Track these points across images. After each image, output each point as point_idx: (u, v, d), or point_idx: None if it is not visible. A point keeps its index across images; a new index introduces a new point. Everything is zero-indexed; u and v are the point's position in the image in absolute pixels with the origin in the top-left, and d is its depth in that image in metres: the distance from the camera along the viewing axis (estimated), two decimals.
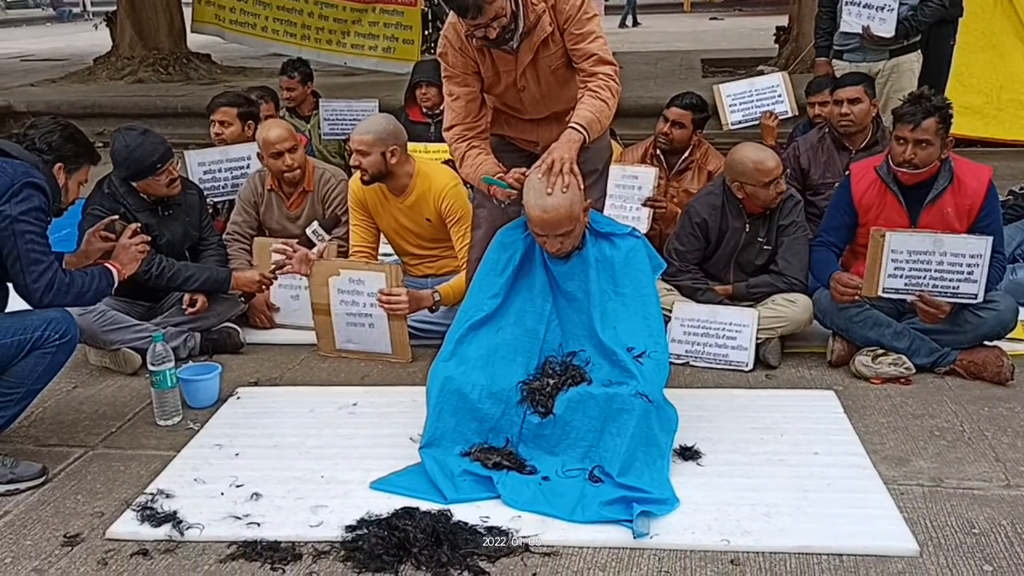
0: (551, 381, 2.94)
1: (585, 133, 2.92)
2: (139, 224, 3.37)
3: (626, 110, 6.05)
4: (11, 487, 2.89)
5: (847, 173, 3.85)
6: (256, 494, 2.81)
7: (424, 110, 6.10)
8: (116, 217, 3.39)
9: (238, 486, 2.87)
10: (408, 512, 2.63)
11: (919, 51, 5.75)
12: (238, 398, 3.54)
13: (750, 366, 3.66)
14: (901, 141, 3.48)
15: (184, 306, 3.95)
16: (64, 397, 3.62)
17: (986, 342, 3.54)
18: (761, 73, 8.96)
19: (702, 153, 4.54)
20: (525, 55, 3.08)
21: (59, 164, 3.03)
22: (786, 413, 3.25)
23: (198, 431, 3.29)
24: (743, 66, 11.53)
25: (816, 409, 3.29)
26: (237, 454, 3.08)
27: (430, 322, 3.97)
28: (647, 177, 4.31)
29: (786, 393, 3.45)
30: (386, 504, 2.72)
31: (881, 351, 3.55)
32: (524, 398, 2.94)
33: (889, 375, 3.50)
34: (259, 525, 2.65)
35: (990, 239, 3.34)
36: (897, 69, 5.63)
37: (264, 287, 4.07)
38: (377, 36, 10.68)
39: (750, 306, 3.80)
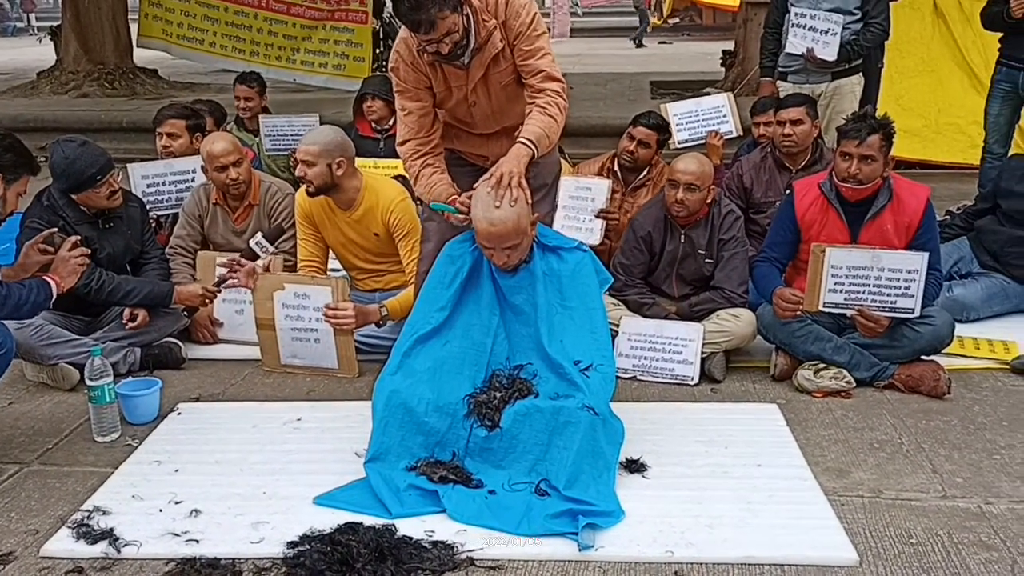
0: (498, 394, 2.94)
1: (534, 148, 2.94)
2: (79, 237, 3.30)
3: (576, 129, 6.10)
4: None
5: (789, 190, 3.92)
6: (195, 511, 2.76)
7: (372, 124, 6.07)
8: (55, 230, 3.32)
9: (177, 503, 2.81)
10: (352, 527, 2.60)
11: (860, 74, 5.88)
12: (179, 414, 3.47)
13: (695, 380, 3.69)
14: (846, 157, 3.56)
15: (124, 320, 3.87)
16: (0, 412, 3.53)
17: (923, 357, 3.62)
18: (707, 94, 9.11)
19: (658, 171, 4.59)
20: (476, 71, 3.09)
21: None
22: (730, 426, 3.28)
23: (137, 447, 3.22)
24: (690, 88, 11.69)
25: (759, 422, 3.32)
26: (177, 470, 3.02)
27: (377, 337, 3.94)
28: (600, 189, 4.34)
29: (730, 407, 3.49)
30: (330, 520, 2.68)
31: (823, 365, 3.60)
32: (471, 411, 2.93)
33: (830, 389, 3.55)
34: (198, 542, 2.59)
35: (926, 255, 3.42)
36: (839, 91, 5.73)
37: (207, 301, 4.01)
38: (327, 53, 10.68)
39: (695, 321, 3.84)
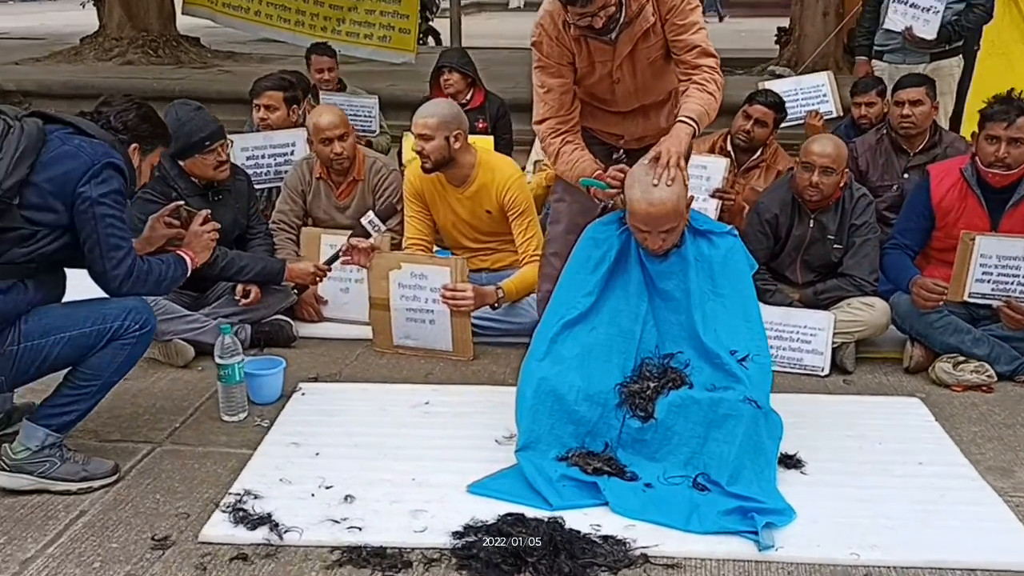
0: (651, 384, 2.84)
1: (695, 126, 2.83)
2: (208, 211, 3.20)
3: None
4: (84, 485, 2.74)
5: (924, 175, 3.79)
6: (349, 496, 2.68)
7: (448, 98, 5.94)
8: (182, 203, 3.22)
9: (327, 487, 2.73)
10: (519, 519, 2.52)
11: (960, 56, 5.73)
12: (303, 394, 3.39)
13: (826, 371, 3.58)
14: (993, 140, 3.43)
15: (237, 297, 3.79)
16: (116, 390, 3.37)
17: None
18: (773, 74, 8.94)
19: (772, 152, 4.47)
20: (624, 46, 2.97)
21: (134, 145, 2.87)
22: (876, 420, 3.18)
23: (267, 428, 3.15)
24: (743, 66, 11.49)
25: (907, 417, 3.22)
26: (317, 453, 2.94)
27: (491, 319, 3.85)
28: (717, 167, 4.22)
29: (872, 400, 3.38)
30: (489, 509, 2.60)
31: (962, 358, 3.49)
32: (623, 401, 2.83)
33: (971, 383, 3.44)
34: (360, 529, 2.52)
35: None
36: (937, 72, 5.58)
37: (318, 279, 3.91)
38: (373, 24, 10.50)
39: (820, 309, 3.73)
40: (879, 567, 2.39)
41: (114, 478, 2.79)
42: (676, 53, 2.98)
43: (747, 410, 2.71)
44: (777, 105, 4.46)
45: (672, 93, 3.23)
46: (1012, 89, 3.58)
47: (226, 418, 3.21)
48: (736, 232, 3.02)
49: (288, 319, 3.93)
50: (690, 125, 2.82)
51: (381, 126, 6.01)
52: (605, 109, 3.22)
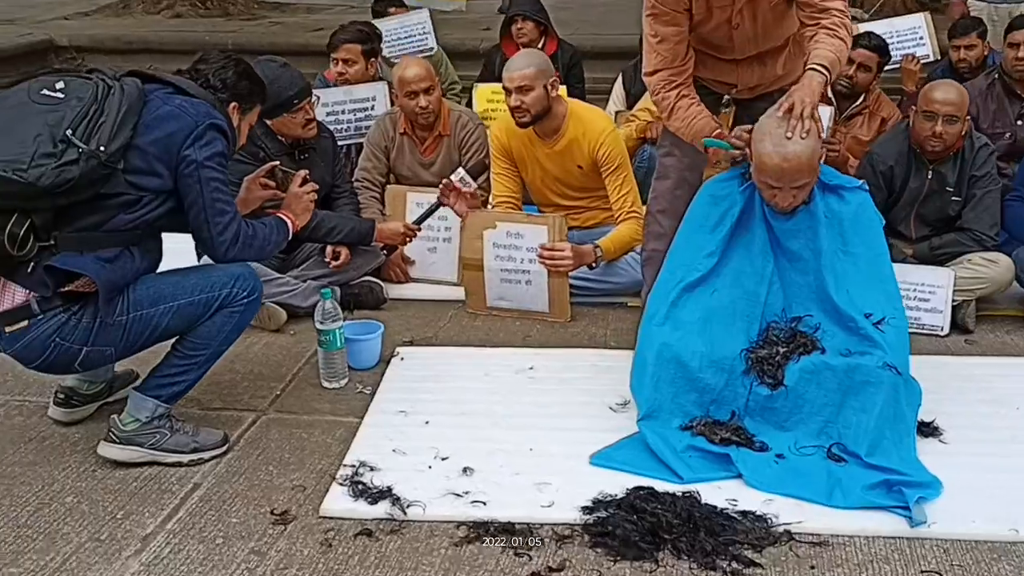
0: (780, 349, 2.69)
1: (828, 74, 2.64)
2: (306, 171, 3.08)
3: None
4: (195, 456, 2.67)
5: None
6: (468, 468, 2.58)
7: (519, 47, 5.74)
8: (277, 163, 3.10)
9: (443, 458, 2.64)
10: (652, 494, 2.40)
11: None
12: (401, 359, 3.29)
13: (946, 330, 3.42)
14: None
15: (326, 259, 3.68)
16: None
17: None
18: (853, 18, 8.56)
19: (874, 99, 4.25)
20: None
21: (234, 103, 2.75)
22: (1009, 383, 3.03)
23: (370, 395, 3.06)
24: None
25: None
26: (427, 422, 2.85)
27: (588, 279, 3.71)
28: (822, 115, 3.99)
29: (999, 361, 3.22)
30: (616, 482, 2.49)
31: None
32: (750, 368, 2.69)
33: None
34: (485, 504, 2.42)
35: None
36: None
37: (408, 239, 3.80)
38: None
39: (935, 264, 3.54)
40: None
41: (224, 448, 2.72)
42: None
43: (887, 377, 2.56)
44: (881, 48, 4.23)
45: (790, 39, 3.04)
46: None
47: (327, 384, 3.13)
48: (867, 187, 2.85)
49: (379, 281, 3.82)
50: (822, 73, 2.63)
51: (438, 41, 5.82)
52: (718, 57, 3.04)
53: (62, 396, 2.88)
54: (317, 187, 3.05)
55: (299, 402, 3.04)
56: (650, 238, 3.26)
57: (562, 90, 4.73)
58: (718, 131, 2.85)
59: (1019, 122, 4.09)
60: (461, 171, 3.66)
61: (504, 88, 3.65)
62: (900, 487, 2.39)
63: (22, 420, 2.93)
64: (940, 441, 2.69)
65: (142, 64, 9.66)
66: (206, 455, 2.68)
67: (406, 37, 5.56)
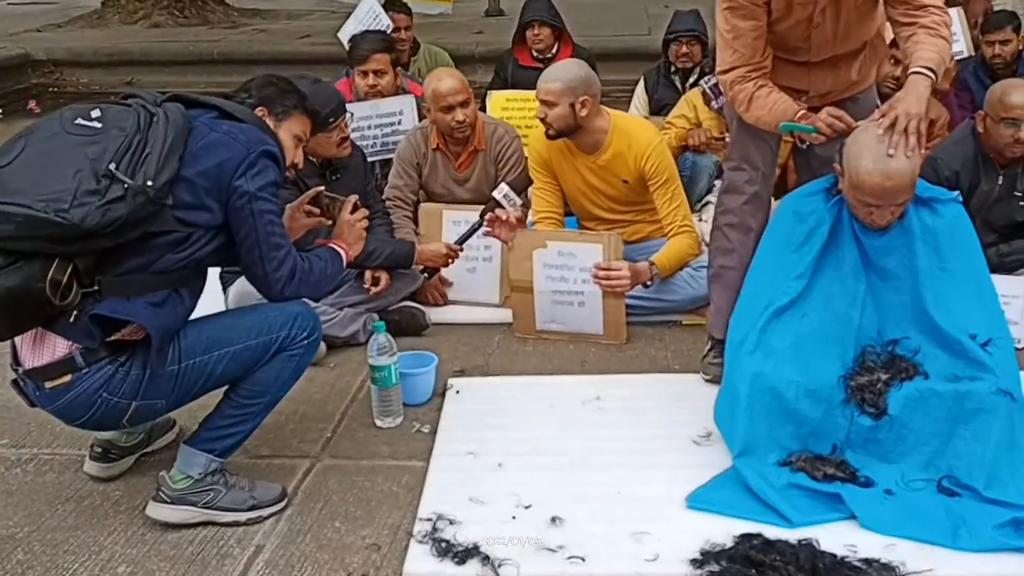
0: (881, 376, 2.51)
1: (934, 77, 2.46)
2: (357, 197, 2.86)
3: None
4: (254, 514, 2.44)
5: None
6: (556, 518, 2.38)
7: (534, 53, 5.56)
8: (322, 188, 2.87)
9: (526, 507, 2.43)
10: (767, 543, 2.21)
11: None
12: (457, 392, 3.08)
13: (1022, 343, 3.25)
14: None
15: (366, 284, 3.46)
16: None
17: None
18: None
19: None
20: None
21: (262, 108, 2.50)
22: None
23: (430, 434, 2.85)
24: None
25: None
26: (500, 464, 2.64)
27: (643, 297, 3.51)
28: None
29: None
30: (720, 529, 2.30)
31: None
32: (850, 396, 2.51)
33: None
34: (583, 559, 2.22)
35: None
36: None
37: (451, 260, 3.58)
38: None
39: (1004, 273, 3.38)
40: None
41: (283, 504, 2.50)
42: None
43: (1002, 403, 2.39)
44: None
45: (866, 44, 2.86)
46: None
47: (381, 424, 2.91)
48: (960, 198, 2.67)
49: (420, 306, 3.61)
50: (928, 77, 2.45)
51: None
52: (790, 59, 2.85)
53: (99, 450, 2.65)
54: (367, 213, 2.83)
55: (354, 445, 2.83)
56: (717, 254, 3.07)
57: None
58: (802, 113, 2.66)
59: None
60: (504, 187, 3.46)
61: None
62: None
63: (55, 477, 2.69)
64: None
65: (124, 77, 9.46)
66: (265, 512, 2.46)
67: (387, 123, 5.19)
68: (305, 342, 2.44)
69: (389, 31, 5.05)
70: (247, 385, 2.40)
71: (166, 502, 2.41)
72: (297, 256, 2.43)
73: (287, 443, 2.84)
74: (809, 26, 2.70)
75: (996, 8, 5.27)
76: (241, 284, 3.26)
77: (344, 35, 5.06)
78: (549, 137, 3.52)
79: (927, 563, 2.17)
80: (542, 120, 3.49)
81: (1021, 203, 3.41)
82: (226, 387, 2.43)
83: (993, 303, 2.59)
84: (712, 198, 4.12)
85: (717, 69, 2.83)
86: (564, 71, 3.48)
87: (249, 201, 2.29)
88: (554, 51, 5.55)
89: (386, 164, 4.28)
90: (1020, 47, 4.73)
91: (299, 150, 2.63)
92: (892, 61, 4.06)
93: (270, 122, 2.51)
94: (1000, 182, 3.38)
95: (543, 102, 3.45)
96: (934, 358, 2.53)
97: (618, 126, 3.56)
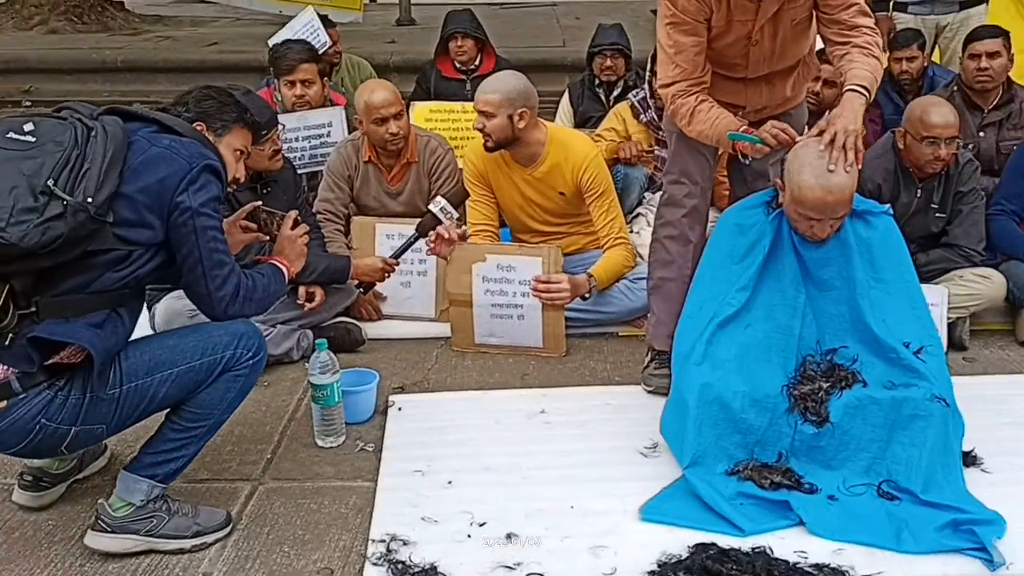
0: (823, 384, 2.58)
1: (868, 95, 2.55)
2: (297, 212, 2.79)
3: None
4: (198, 541, 2.36)
5: None
6: (512, 535, 2.36)
7: (457, 65, 5.55)
8: (259, 203, 2.79)
9: (480, 524, 2.41)
10: (722, 553, 2.24)
11: (986, 3, 5.56)
12: (399, 409, 3.04)
13: (943, 349, 3.37)
14: None
15: (300, 300, 3.39)
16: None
17: None
18: None
19: None
20: (770, 5, 2.68)
21: (199, 123, 2.43)
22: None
23: (374, 452, 2.81)
24: None
25: None
26: (450, 482, 2.61)
27: (580, 309, 3.53)
28: None
29: (1006, 379, 3.21)
30: (675, 540, 2.33)
31: None
32: (793, 405, 2.57)
33: None
34: None
35: None
36: (967, 22, 5.40)
37: (387, 274, 3.54)
38: None
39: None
40: None
41: (228, 529, 2.42)
42: (828, 12, 2.69)
43: (937, 409, 2.48)
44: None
45: (799, 61, 2.95)
46: None
47: (323, 443, 2.85)
48: (891, 211, 2.77)
49: (355, 322, 3.55)
50: (863, 95, 2.54)
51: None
52: (728, 75, 2.92)
53: (30, 478, 2.52)
54: (308, 228, 2.76)
55: (297, 466, 2.76)
56: (657, 266, 3.11)
57: None
58: (744, 128, 2.72)
59: (981, 133, 4.13)
60: (441, 200, 3.43)
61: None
62: (969, 527, 2.30)
63: None
64: (982, 471, 2.63)
65: (21, 84, 9.05)
66: (210, 538, 2.38)
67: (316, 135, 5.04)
68: (251, 362, 2.37)
69: (326, 48, 4.97)
70: (190, 407, 2.31)
71: (106, 531, 2.30)
72: (241, 273, 2.36)
73: (226, 466, 2.75)
74: (748, 43, 2.77)
75: (900, 27, 5.48)
76: (168, 302, 3.16)
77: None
78: (487, 148, 3.51)
79: (875, 566, 2.23)
80: (480, 130, 3.48)
81: (937, 215, 3.55)
82: (167, 410, 2.34)
83: (924, 312, 2.69)
84: (643, 210, 4.17)
85: (658, 83, 2.88)
86: (503, 82, 3.48)
87: (192, 217, 2.21)
88: (477, 63, 5.56)
89: (313, 177, 4.21)
90: (925, 64, 4.93)
91: (240, 164, 2.56)
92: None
93: (210, 136, 2.43)
94: (919, 195, 3.52)
95: (482, 113, 3.44)
96: (871, 366, 2.61)
97: (555, 138, 3.58)
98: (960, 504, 2.39)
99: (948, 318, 3.39)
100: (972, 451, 2.67)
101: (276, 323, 3.37)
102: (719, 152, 3.03)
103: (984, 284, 3.44)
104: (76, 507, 2.52)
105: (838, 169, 2.47)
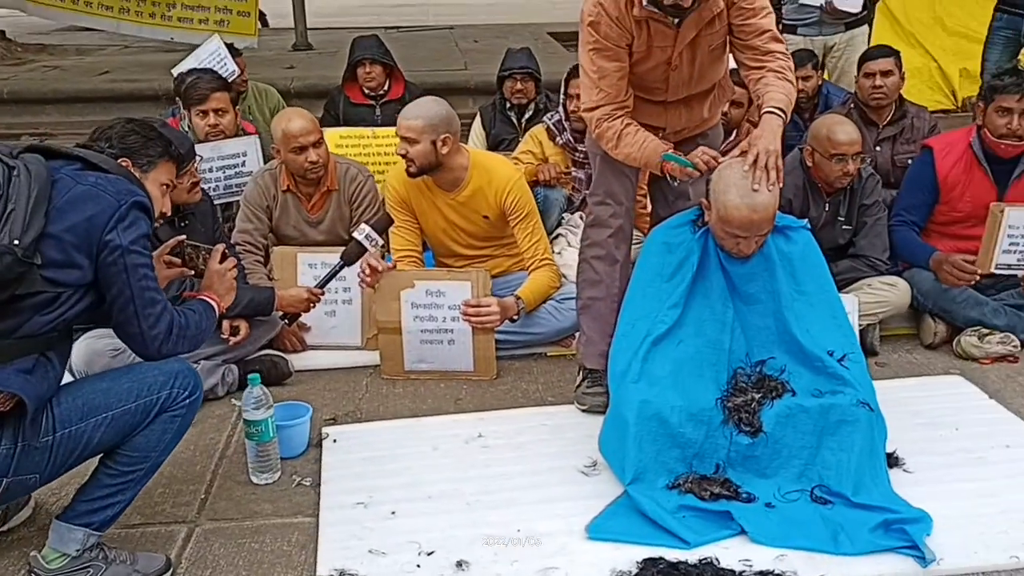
0: (755, 395, 2.66)
1: (784, 117, 2.66)
2: (224, 245, 2.74)
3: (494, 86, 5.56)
4: None
5: (926, 149, 3.78)
6: (462, 562, 2.36)
7: (366, 91, 5.55)
8: (183, 237, 2.74)
9: (429, 553, 2.40)
10: (671, 566, 2.29)
11: (867, 24, 5.84)
12: (334, 441, 3.00)
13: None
14: (1005, 112, 3.47)
15: (224, 334, 3.32)
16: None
17: None
18: None
19: (745, 133, 4.27)
20: (688, 31, 2.76)
21: (124, 159, 2.38)
22: (936, 404, 3.15)
23: (312, 486, 2.76)
24: None
25: (961, 396, 3.22)
26: (393, 512, 2.59)
27: (510, 331, 3.55)
28: None
29: (917, 382, 3.36)
30: (623, 556, 2.37)
31: (986, 330, 3.52)
32: (728, 417, 2.64)
33: (999, 354, 3.49)
34: None
35: None
36: (852, 42, 5.67)
37: (312, 305, 3.49)
38: (208, 8, 9.71)
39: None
40: None
41: (169, 574, 2.35)
42: (742, 38, 2.79)
43: (863, 414, 2.59)
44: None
45: (716, 85, 3.05)
46: (1018, 60, 3.61)
47: (257, 480, 2.79)
48: (809, 225, 2.89)
49: (282, 354, 3.49)
50: (780, 117, 2.65)
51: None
52: (649, 99, 3.00)
53: None
54: (236, 262, 2.71)
55: (233, 505, 2.69)
56: (586, 286, 3.16)
57: None
58: (671, 149, 2.81)
59: (877, 148, 4.34)
60: (366, 227, 3.39)
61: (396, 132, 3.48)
62: (900, 526, 2.41)
63: None
64: (904, 471, 2.75)
65: None
66: None
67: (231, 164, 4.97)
68: (187, 401, 2.31)
69: (234, 77, 4.89)
70: (126, 451, 2.24)
71: None
72: (174, 311, 2.31)
73: (159, 508, 2.67)
74: (668, 68, 2.85)
75: (791, 49, 5.71)
76: (87, 343, 3.06)
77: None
78: (410, 174, 3.50)
79: (816, 570, 2.31)
80: (403, 156, 3.47)
81: (844, 227, 3.71)
82: (101, 455, 2.26)
83: (844, 321, 2.81)
84: (563, 231, 4.23)
85: (582, 107, 2.94)
86: (425, 109, 3.48)
87: (122, 255, 2.15)
88: (386, 88, 5.56)
89: (228, 208, 4.13)
90: (820, 82, 5.15)
91: (166, 198, 2.51)
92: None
93: (136, 173, 2.38)
94: (827, 209, 3.67)
95: (404, 139, 3.44)
96: (799, 375, 2.71)
97: (478, 162, 3.60)
98: (889, 505, 2.50)
99: (859, 325, 3.54)
100: (894, 452, 2.79)
101: (199, 359, 3.28)
102: (640, 172, 3.11)
103: (891, 291, 3.60)
104: (3, 561, 2.40)
105: (762, 188, 2.57)
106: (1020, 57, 5.78)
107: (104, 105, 8.28)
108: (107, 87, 8.89)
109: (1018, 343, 3.51)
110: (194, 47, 9.37)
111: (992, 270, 3.46)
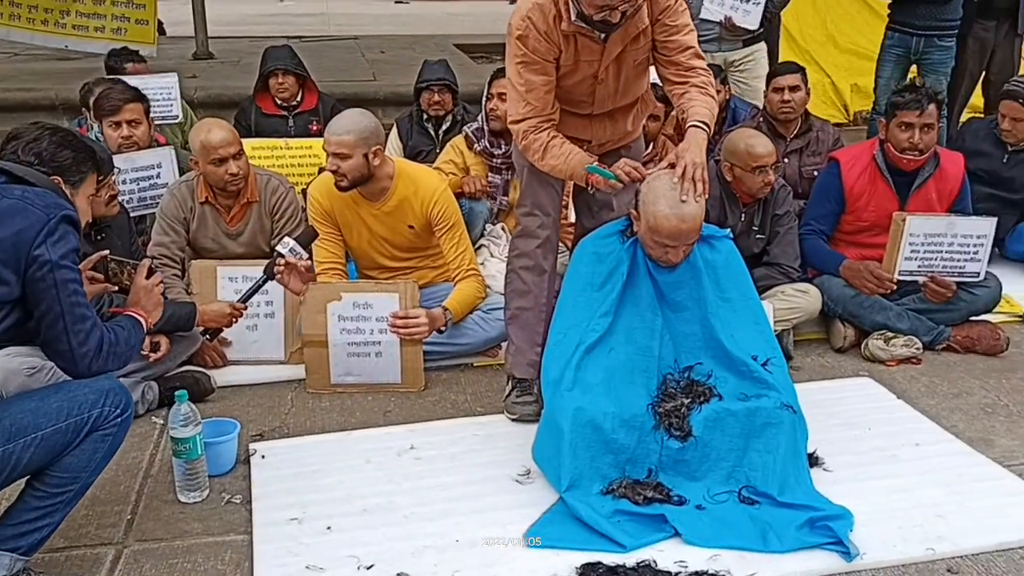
0: (684, 400, 2.74)
1: (708, 130, 2.75)
2: (152, 260, 2.67)
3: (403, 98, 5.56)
4: None
5: (833, 161, 3.95)
6: (403, 574, 2.35)
7: (278, 101, 5.49)
8: (106, 252, 2.66)
9: (368, 567, 2.39)
10: (610, 570, 2.33)
11: (763, 41, 6.05)
12: (263, 457, 2.96)
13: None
14: (907, 127, 3.65)
15: (144, 350, 3.22)
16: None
17: (972, 317, 3.81)
18: None
19: (661, 147, 4.45)
20: (614, 47, 2.84)
21: (58, 178, 2.33)
22: (848, 406, 3.29)
23: (242, 503, 2.72)
24: (499, 52, 11.54)
25: (872, 398, 3.37)
26: (329, 527, 2.57)
27: (437, 343, 3.55)
28: None
29: (829, 384, 3.50)
30: (562, 562, 2.40)
31: (891, 334, 3.70)
32: (659, 422, 2.71)
33: (903, 356, 3.66)
34: None
35: (994, 220, 3.60)
36: (754, 57, 5.86)
37: (235, 320, 3.42)
38: (104, 16, 9.46)
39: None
40: (954, 557, 2.45)
41: None
42: (666, 55, 2.88)
43: (787, 417, 2.69)
44: (666, 99, 4.45)
45: (639, 99, 3.14)
46: (915, 77, 3.81)
47: (185, 499, 2.73)
48: (732, 235, 2.99)
49: (204, 371, 3.42)
50: (704, 130, 2.74)
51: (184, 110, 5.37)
52: (575, 112, 3.06)
53: None
54: (161, 278, 2.65)
55: (161, 525, 2.62)
56: (514, 296, 3.19)
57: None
58: (596, 161, 2.87)
59: (785, 160, 4.51)
60: (290, 241, 3.36)
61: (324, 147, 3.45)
62: (824, 523, 2.51)
63: None
64: (824, 470, 2.86)
65: None
66: None
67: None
68: (119, 419, 2.25)
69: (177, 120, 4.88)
70: (55, 472, 2.17)
71: None
72: (103, 327, 2.25)
73: (83, 531, 2.58)
74: (594, 82, 2.92)
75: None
76: (2, 362, 2.93)
77: None
78: (341, 188, 3.47)
79: (748, 568, 2.39)
80: (334, 172, 3.42)
81: (758, 236, 3.85)
82: (28, 477, 2.18)
83: (766, 326, 2.92)
84: (486, 241, 4.25)
85: (509, 119, 2.97)
86: (354, 122, 3.45)
87: (51, 271, 2.10)
88: (299, 99, 5.51)
89: (141, 220, 4.03)
90: (727, 96, 5.32)
91: (89, 209, 2.44)
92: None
93: (67, 189, 2.32)
94: (742, 219, 3.80)
95: (336, 155, 3.39)
96: (725, 380, 2.80)
97: (403, 172, 3.60)
98: (813, 503, 2.60)
99: (774, 331, 3.67)
100: (814, 452, 2.90)
101: (118, 376, 3.18)
102: (565, 184, 3.17)
103: (803, 298, 3.74)
104: None
105: (689, 199, 2.65)
106: (911, 75, 6.11)
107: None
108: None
109: (921, 346, 3.69)
110: (88, 55, 9.13)
111: (897, 277, 3.63)
